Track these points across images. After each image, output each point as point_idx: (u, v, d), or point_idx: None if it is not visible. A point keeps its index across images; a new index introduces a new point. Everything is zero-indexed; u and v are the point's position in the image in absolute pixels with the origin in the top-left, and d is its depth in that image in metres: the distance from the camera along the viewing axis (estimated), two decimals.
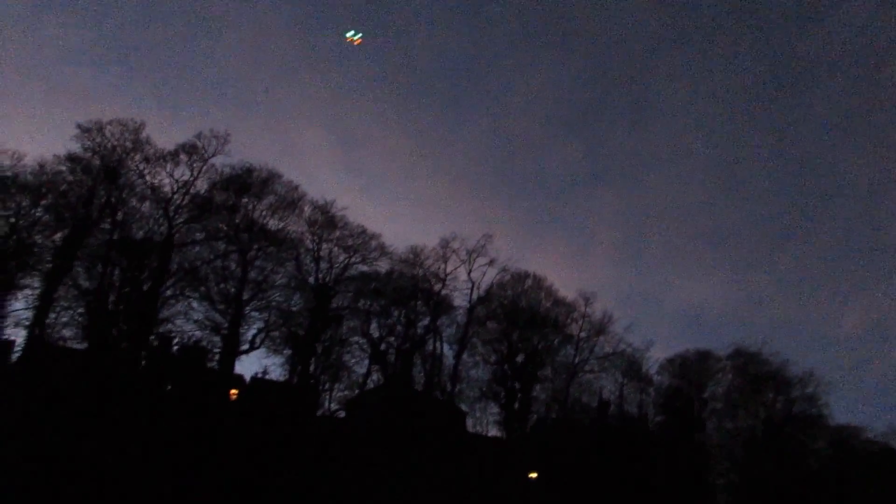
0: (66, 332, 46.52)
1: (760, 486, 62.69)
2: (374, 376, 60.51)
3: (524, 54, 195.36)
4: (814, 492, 61.58)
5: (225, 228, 53.43)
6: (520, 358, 65.36)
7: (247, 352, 53.89)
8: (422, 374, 61.78)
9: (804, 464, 66.44)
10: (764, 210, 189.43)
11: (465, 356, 63.78)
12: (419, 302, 63.24)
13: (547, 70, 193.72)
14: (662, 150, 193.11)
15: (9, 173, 45.77)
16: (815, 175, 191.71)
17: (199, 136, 52.45)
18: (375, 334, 61.14)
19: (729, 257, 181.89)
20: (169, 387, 47.43)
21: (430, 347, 62.55)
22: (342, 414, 58.40)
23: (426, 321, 62.81)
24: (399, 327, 62.40)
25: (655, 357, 72.32)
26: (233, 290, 53.18)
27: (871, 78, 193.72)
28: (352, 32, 51.73)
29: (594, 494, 56.26)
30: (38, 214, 46.58)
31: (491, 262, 65.38)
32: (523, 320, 65.68)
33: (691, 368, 70.50)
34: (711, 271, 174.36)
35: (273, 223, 55.85)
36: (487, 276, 65.87)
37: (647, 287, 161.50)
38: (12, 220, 45.40)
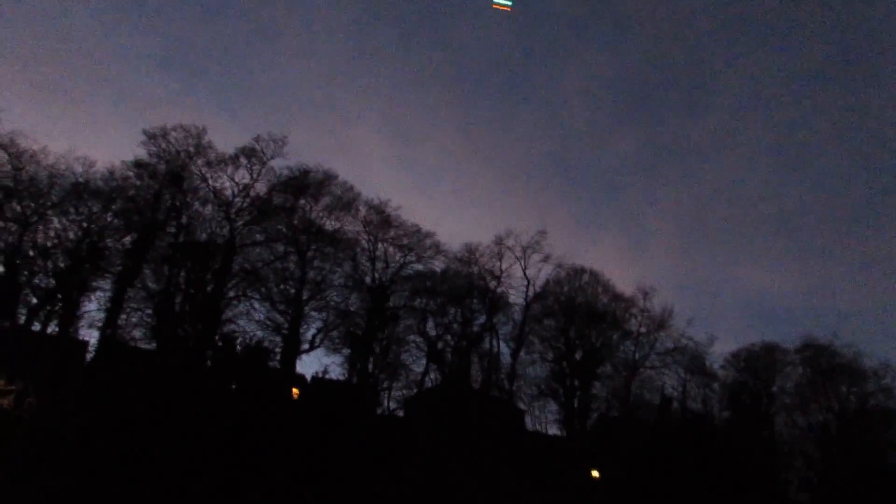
0: (136, 333, 48.08)
1: (837, 483, 60.05)
2: (432, 375, 60.51)
3: (575, 45, 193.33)
4: (894, 486, 58.63)
5: (284, 230, 54.47)
6: (578, 355, 64.36)
7: (307, 351, 54.82)
8: (479, 373, 61.49)
9: (882, 458, 63.30)
10: (831, 193, 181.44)
11: (522, 354, 63.23)
12: (475, 300, 63.05)
13: (598, 60, 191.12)
14: (720, 136, 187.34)
15: (81, 179, 47.83)
16: (887, 154, 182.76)
17: (257, 139, 53.82)
18: (432, 333, 61.21)
19: (795, 244, 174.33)
20: (234, 386, 48.52)
21: (487, 345, 62.29)
22: (401, 413, 58.57)
23: (482, 319, 62.62)
24: (455, 326, 62.35)
25: (719, 352, 70.35)
26: (292, 290, 54.20)
27: None
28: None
29: (658, 493, 54.87)
30: (108, 219, 48.50)
31: (546, 259, 64.97)
32: (580, 317, 64.75)
33: (758, 362, 68.15)
34: (776, 260, 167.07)
35: (330, 224, 56.88)
36: (543, 273, 65.40)
37: (709, 279, 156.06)
38: (85, 224, 47.28)
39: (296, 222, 54.90)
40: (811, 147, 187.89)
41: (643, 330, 66.80)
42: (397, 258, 60.22)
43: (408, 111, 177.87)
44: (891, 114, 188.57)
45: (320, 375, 53.74)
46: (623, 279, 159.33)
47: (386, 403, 58.82)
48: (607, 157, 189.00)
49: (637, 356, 65.89)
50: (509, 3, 50.41)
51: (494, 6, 50.16)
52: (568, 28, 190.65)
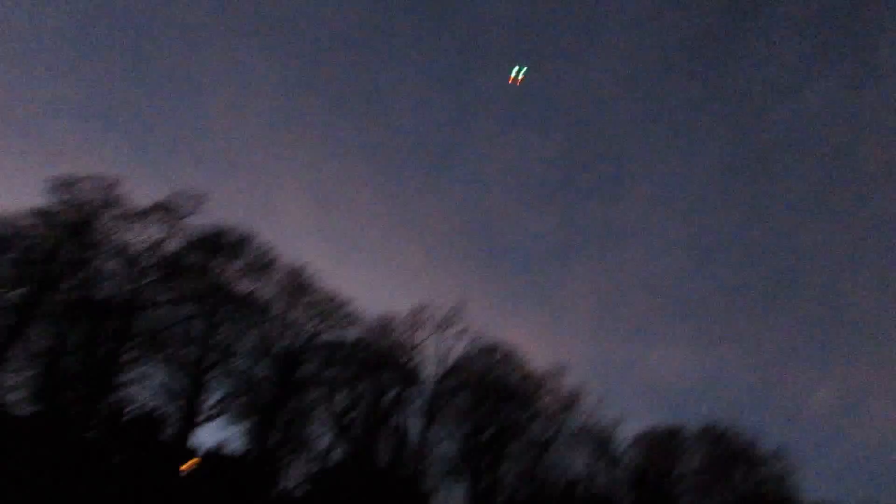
0: (14, 396, 43.95)
1: None
2: (338, 450, 58.32)
3: (504, 126, 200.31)
4: None
5: (193, 291, 51.97)
6: (488, 433, 63.79)
7: (205, 421, 51.58)
8: (386, 450, 59.74)
9: None
10: (736, 284, 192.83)
11: (432, 431, 62.08)
12: (387, 372, 61.83)
13: (525, 143, 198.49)
14: (637, 224, 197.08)
15: None
16: (786, 250, 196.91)
17: (174, 194, 51.72)
18: (341, 406, 59.29)
19: (701, 330, 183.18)
20: (118, 459, 44.94)
21: (397, 421, 60.80)
22: (302, 490, 55.78)
23: (394, 393, 61.27)
24: (365, 399, 60.73)
25: (626, 432, 71.36)
26: (195, 355, 51.32)
27: (839, 157, 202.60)
28: (516, 69, 50.39)
29: None
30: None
31: (462, 333, 64.80)
32: (492, 393, 64.54)
33: (662, 445, 69.64)
34: (684, 344, 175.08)
35: (243, 286, 54.68)
36: (458, 347, 65.08)
37: (620, 359, 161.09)
38: None
39: (206, 283, 52.58)
40: (716, 239, 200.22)
41: (553, 409, 67.23)
42: (311, 325, 58.52)
43: (332, 177, 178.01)
44: (789, 211, 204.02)
45: (216, 449, 50.72)
46: (538, 357, 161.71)
47: (286, 480, 55.99)
48: (528, 236, 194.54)
49: (546, 436, 65.95)
50: (522, 75, 52.07)
51: (511, 80, 51.83)
52: (497, 109, 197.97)
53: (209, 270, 52.95)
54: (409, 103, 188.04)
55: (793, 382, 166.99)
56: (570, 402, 67.61)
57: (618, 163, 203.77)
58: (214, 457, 50.03)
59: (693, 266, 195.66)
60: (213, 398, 52.08)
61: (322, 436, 57.67)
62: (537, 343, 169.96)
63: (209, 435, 57.98)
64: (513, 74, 50.53)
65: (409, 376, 62.00)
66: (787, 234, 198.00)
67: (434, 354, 63.61)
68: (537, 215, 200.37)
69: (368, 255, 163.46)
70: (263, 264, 55.73)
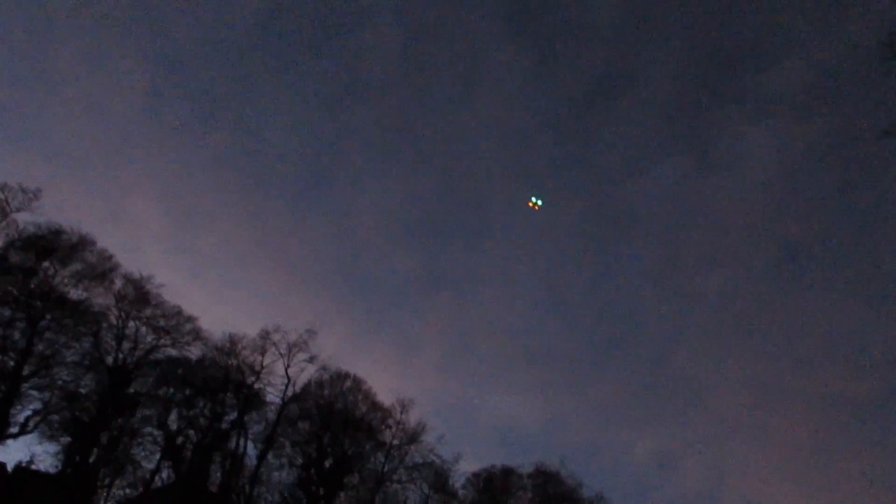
0: None
1: None
2: (164, 473, 55.24)
3: (377, 161, 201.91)
4: None
5: (15, 293, 47.81)
6: (328, 462, 63.00)
7: (16, 436, 47.16)
8: (220, 475, 57.36)
9: None
10: (580, 338, 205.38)
11: (270, 457, 60.42)
12: (229, 394, 59.70)
13: (396, 180, 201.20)
14: (493, 270, 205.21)
15: None
16: (626, 312, 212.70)
17: (2, 187, 47.54)
18: (174, 426, 56.41)
19: (544, 378, 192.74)
20: None
21: (233, 445, 58.63)
22: None
23: (233, 415, 59.16)
24: (202, 420, 58.17)
25: (463, 470, 73.03)
26: (11, 362, 47.04)
27: (677, 235, 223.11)
28: (534, 199, 52.52)
29: None
30: None
31: (311, 359, 63.50)
32: (337, 422, 63.95)
33: (495, 484, 71.99)
34: (526, 390, 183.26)
35: (76, 293, 51.05)
36: (305, 374, 64.02)
37: (466, 400, 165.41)
38: None
39: (33, 286, 48.62)
40: (565, 295, 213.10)
41: (396, 442, 67.60)
42: (149, 340, 55.54)
43: (192, 188, 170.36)
44: (629, 280, 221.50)
45: (25, 465, 46.48)
46: (387, 390, 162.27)
47: (103, 502, 52.17)
48: (389, 272, 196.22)
49: (386, 468, 66.13)
50: (539, 202, 54.71)
51: (529, 204, 53.84)
52: (372, 144, 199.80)
53: (38, 272, 49.05)
54: (284, 122, 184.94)
55: (620, 433, 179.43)
56: (413, 437, 68.31)
57: (483, 211, 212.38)
58: (24, 472, 45.72)
59: (542, 317, 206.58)
60: (28, 410, 47.98)
61: (149, 457, 54.42)
62: (388, 378, 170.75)
63: (20, 449, 53.09)
64: (532, 200, 53.62)
65: (252, 399, 60.19)
66: (627, 297, 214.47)
67: (280, 379, 62.25)
68: (402, 252, 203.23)
69: (222, 273, 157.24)
70: (102, 271, 52.42)
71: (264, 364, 61.66)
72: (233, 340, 61.42)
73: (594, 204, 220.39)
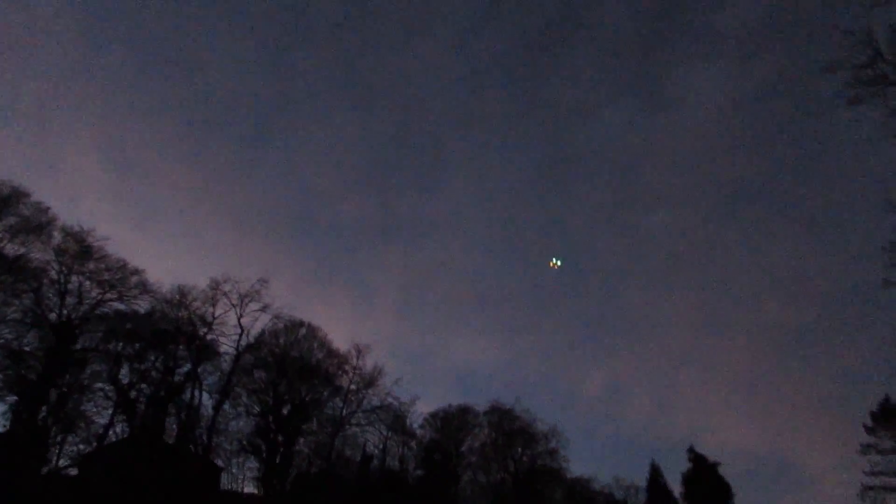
0: None
1: None
2: (118, 428, 54.52)
3: (328, 106, 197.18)
4: None
5: None
6: (286, 410, 63.27)
7: None
8: (175, 426, 56.98)
9: None
10: (532, 279, 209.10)
11: (226, 407, 60.31)
12: (181, 346, 58.81)
13: (347, 125, 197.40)
14: (449, 216, 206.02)
15: None
16: (578, 253, 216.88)
17: None
18: (125, 380, 55.38)
19: (499, 319, 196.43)
20: None
21: (188, 396, 58.15)
22: (73, 471, 51.40)
23: (187, 367, 58.47)
24: (154, 373, 57.29)
25: (421, 411, 74.67)
26: None
27: (627, 174, 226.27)
28: (555, 260, 54.24)
29: None
30: None
31: (264, 308, 63.03)
32: (293, 370, 64.02)
33: (452, 423, 73.93)
34: (482, 332, 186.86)
35: (12, 248, 48.73)
36: (259, 323, 63.59)
37: (423, 344, 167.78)
38: None
39: None
40: (519, 237, 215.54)
41: (353, 387, 68.34)
42: (94, 294, 53.77)
43: (134, 137, 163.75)
44: (582, 221, 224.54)
45: None
46: (344, 338, 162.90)
47: (55, 460, 51.26)
48: (343, 218, 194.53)
49: (344, 413, 66.96)
50: (560, 263, 55.73)
51: (551, 265, 54.63)
52: (322, 87, 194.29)
53: None
54: (228, 67, 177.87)
55: (573, 369, 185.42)
56: (370, 381, 69.07)
57: (438, 157, 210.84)
58: None
59: (497, 260, 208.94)
60: None
61: (101, 412, 53.51)
62: (343, 323, 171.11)
63: None
64: (553, 261, 54.22)
65: (205, 351, 59.50)
66: (580, 237, 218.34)
67: (234, 330, 61.59)
68: (356, 198, 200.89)
69: (169, 224, 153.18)
70: (39, 224, 50.09)
71: (216, 315, 60.98)
72: (182, 292, 60.35)
73: (548, 147, 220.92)
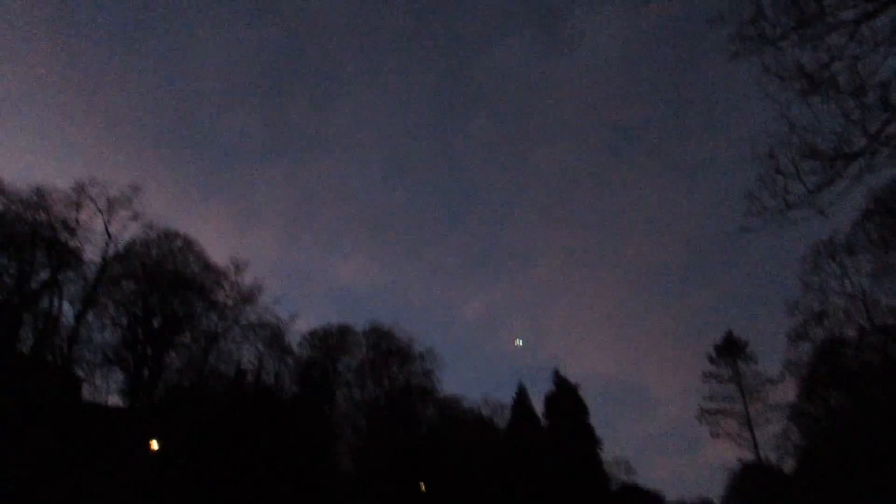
0: None
1: (378, 450, 69.54)
2: None
3: (215, 5, 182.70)
4: (424, 451, 71.04)
5: None
6: (157, 322, 60.92)
7: None
8: (33, 335, 53.46)
9: (417, 428, 75.97)
10: (421, 206, 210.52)
11: (91, 317, 57.10)
12: (39, 252, 54.52)
13: (237, 27, 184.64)
14: (340, 134, 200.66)
15: None
16: (466, 183, 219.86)
17: None
18: None
19: (386, 243, 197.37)
20: None
21: (47, 304, 54.44)
22: None
23: (46, 274, 54.49)
24: (7, 279, 53.02)
25: (300, 330, 74.48)
26: None
27: (521, 109, 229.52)
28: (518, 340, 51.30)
29: (224, 463, 55.67)
30: None
31: (136, 217, 59.13)
32: (166, 283, 61.36)
33: (330, 342, 74.59)
34: (368, 254, 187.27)
35: None
36: (129, 232, 59.91)
37: (307, 263, 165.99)
38: None
39: None
40: (409, 163, 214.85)
41: (230, 303, 66.68)
42: None
43: None
44: (473, 151, 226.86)
45: None
46: (224, 253, 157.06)
47: None
48: (228, 130, 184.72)
49: (219, 328, 65.45)
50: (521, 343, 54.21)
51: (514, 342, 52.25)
52: None
53: None
54: None
55: (454, 295, 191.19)
56: (248, 298, 67.62)
57: (333, 74, 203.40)
58: None
59: (386, 184, 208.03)
60: None
61: None
62: (226, 240, 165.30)
63: None
64: (517, 341, 52.67)
65: (67, 257, 55.54)
66: (469, 169, 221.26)
67: (101, 237, 57.75)
68: (243, 106, 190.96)
69: (27, 118, 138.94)
70: None
71: (80, 220, 56.66)
72: (41, 193, 55.20)
73: (446, 73, 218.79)
